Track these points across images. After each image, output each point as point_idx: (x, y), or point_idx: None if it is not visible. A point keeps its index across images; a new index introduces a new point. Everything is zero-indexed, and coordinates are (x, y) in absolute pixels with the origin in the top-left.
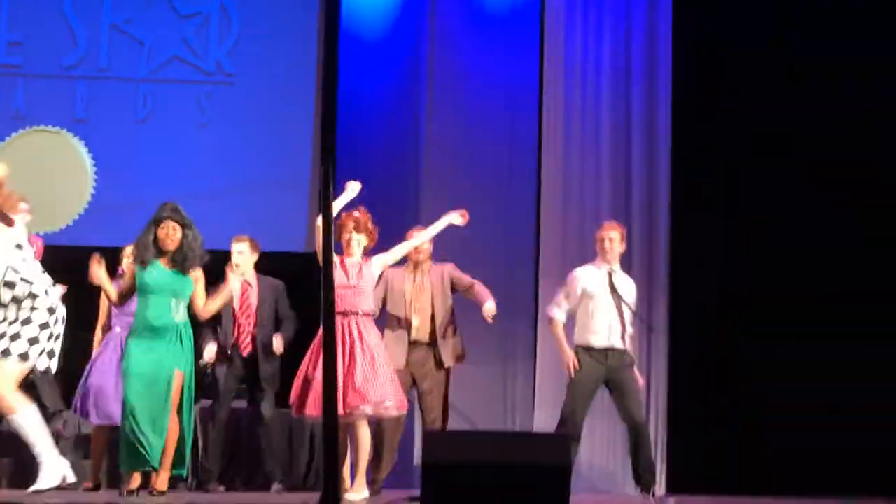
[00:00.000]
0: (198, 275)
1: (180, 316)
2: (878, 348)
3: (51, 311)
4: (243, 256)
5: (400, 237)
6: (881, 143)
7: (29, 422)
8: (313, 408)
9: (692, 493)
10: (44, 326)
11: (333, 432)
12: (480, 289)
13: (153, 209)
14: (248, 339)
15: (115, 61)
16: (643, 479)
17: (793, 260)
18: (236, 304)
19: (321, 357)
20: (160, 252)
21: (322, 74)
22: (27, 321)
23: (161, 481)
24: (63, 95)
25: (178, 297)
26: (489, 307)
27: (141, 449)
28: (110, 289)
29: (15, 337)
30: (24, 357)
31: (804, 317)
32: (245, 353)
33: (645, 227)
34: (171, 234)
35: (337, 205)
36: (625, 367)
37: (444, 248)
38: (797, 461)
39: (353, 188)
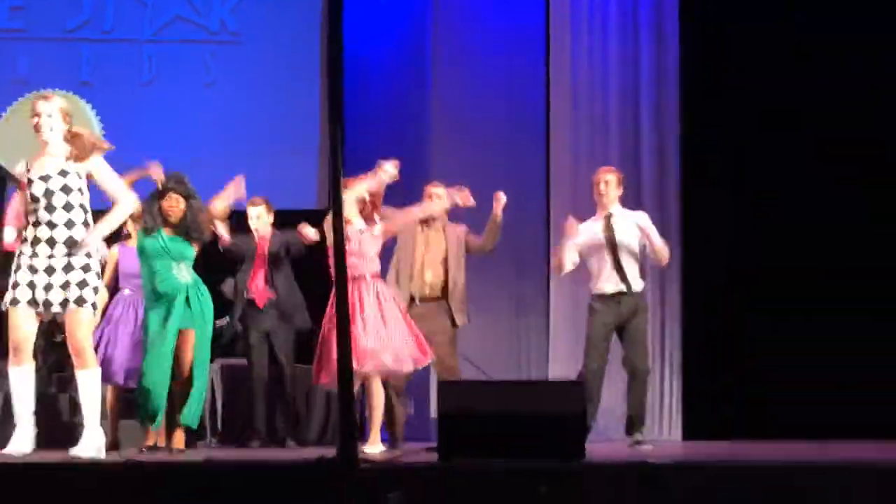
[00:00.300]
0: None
1: (184, 276)
2: (885, 324)
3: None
4: (261, 220)
5: (409, 197)
6: (888, 120)
7: (96, 382)
8: (328, 375)
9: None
10: (99, 276)
11: (349, 388)
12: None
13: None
14: (264, 291)
15: (118, 23)
16: (631, 422)
17: (800, 236)
18: (249, 264)
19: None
20: (165, 222)
21: (327, 31)
22: (87, 268)
23: (178, 438)
24: (68, 59)
25: (178, 259)
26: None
27: (151, 406)
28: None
29: (82, 284)
30: (94, 307)
31: (812, 293)
32: (262, 307)
33: (656, 204)
34: (174, 205)
35: (365, 186)
36: (638, 313)
37: (453, 209)
38: (803, 435)
39: (388, 171)
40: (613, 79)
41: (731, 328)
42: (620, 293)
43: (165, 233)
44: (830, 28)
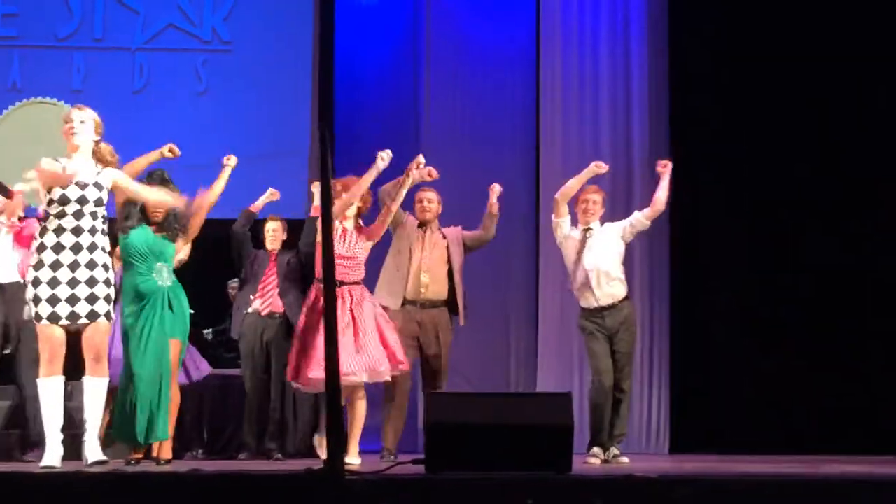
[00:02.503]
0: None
1: (164, 280)
2: (874, 339)
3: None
4: (276, 235)
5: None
6: (880, 120)
7: (103, 392)
8: (305, 378)
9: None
10: (110, 285)
11: (336, 400)
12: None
13: None
14: (269, 303)
15: (110, 31)
16: (607, 437)
17: (792, 248)
18: (258, 276)
19: (311, 325)
20: (148, 220)
21: (319, 40)
22: (108, 282)
23: (165, 449)
24: (60, 66)
25: (161, 261)
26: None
27: (133, 419)
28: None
29: (108, 299)
30: (108, 317)
31: (802, 306)
32: (263, 314)
33: (646, 186)
34: (158, 205)
35: (368, 179)
36: (622, 329)
37: (445, 209)
38: (790, 450)
39: (384, 158)
40: (604, 78)
41: (719, 342)
42: (602, 308)
43: (149, 230)
44: (820, 21)
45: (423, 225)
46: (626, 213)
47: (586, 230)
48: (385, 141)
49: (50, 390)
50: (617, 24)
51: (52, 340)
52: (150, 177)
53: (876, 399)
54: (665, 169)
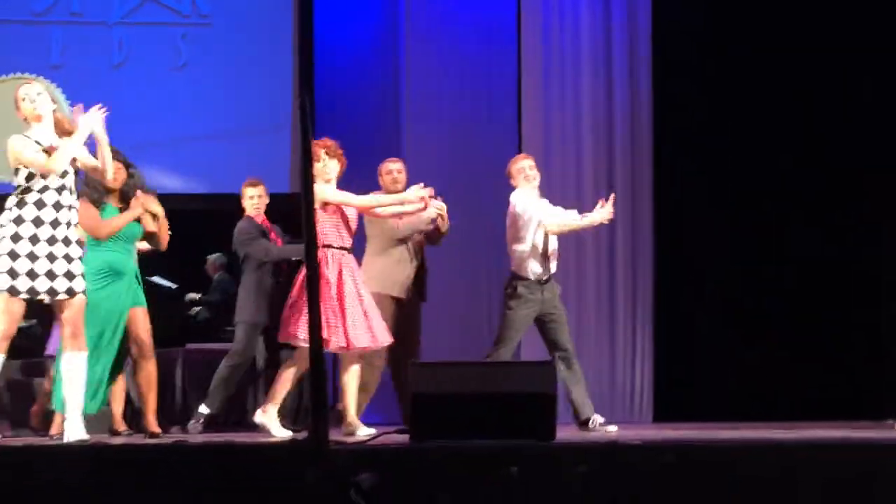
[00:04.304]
0: (157, 209)
1: (133, 260)
2: (852, 310)
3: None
4: (262, 200)
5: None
6: (864, 115)
7: (83, 366)
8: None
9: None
10: (82, 260)
11: (320, 369)
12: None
13: (132, 156)
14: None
15: (88, 5)
16: (582, 410)
17: (771, 226)
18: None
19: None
20: (108, 191)
21: (299, 13)
22: (81, 258)
23: (153, 423)
24: (37, 41)
25: (130, 240)
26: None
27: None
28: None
29: (71, 275)
30: (84, 293)
31: (781, 281)
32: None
33: (627, 169)
34: (115, 172)
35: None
36: (557, 298)
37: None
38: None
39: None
40: (585, 67)
41: (700, 313)
42: (545, 280)
43: (115, 206)
44: (806, 12)
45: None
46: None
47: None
48: (366, 117)
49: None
50: (598, 12)
51: (14, 315)
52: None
53: (860, 390)
54: (601, 215)
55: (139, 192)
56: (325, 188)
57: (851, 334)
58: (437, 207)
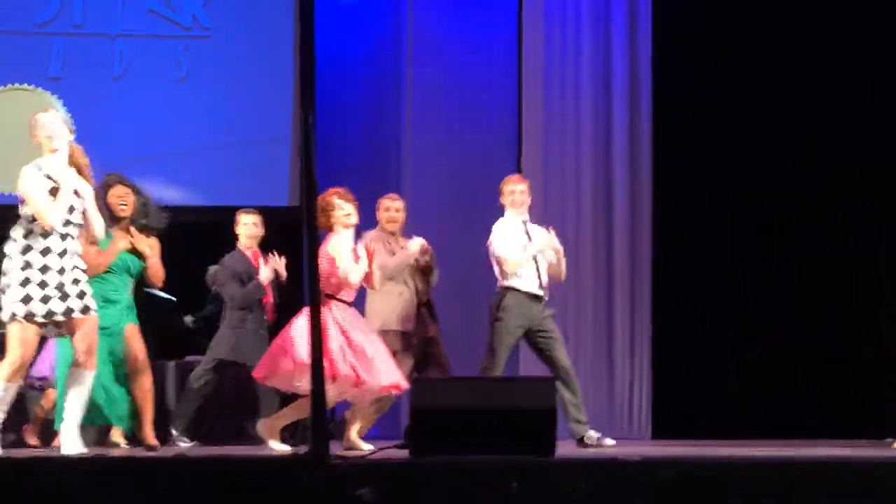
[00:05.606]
0: (152, 243)
1: (129, 293)
2: (854, 329)
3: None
4: (258, 229)
5: (378, 198)
6: (862, 116)
7: (89, 384)
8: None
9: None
10: (83, 282)
11: (320, 383)
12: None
13: (132, 168)
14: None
15: (89, 17)
16: (579, 427)
17: (773, 236)
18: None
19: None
20: (116, 219)
21: (300, 26)
22: (77, 280)
23: (150, 436)
24: (38, 53)
25: (133, 276)
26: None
27: (98, 403)
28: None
29: (83, 294)
30: (97, 311)
31: (781, 295)
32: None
33: (627, 202)
34: (123, 196)
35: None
36: (548, 316)
37: (424, 206)
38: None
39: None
40: (585, 67)
41: (701, 312)
42: (535, 296)
43: (116, 235)
44: (806, 12)
45: (392, 234)
46: (607, 207)
47: (525, 222)
48: (367, 132)
49: (11, 394)
50: (599, 14)
51: (28, 344)
52: (110, 176)
53: (861, 389)
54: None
55: (132, 229)
56: (350, 269)
57: (852, 333)
58: (420, 243)
